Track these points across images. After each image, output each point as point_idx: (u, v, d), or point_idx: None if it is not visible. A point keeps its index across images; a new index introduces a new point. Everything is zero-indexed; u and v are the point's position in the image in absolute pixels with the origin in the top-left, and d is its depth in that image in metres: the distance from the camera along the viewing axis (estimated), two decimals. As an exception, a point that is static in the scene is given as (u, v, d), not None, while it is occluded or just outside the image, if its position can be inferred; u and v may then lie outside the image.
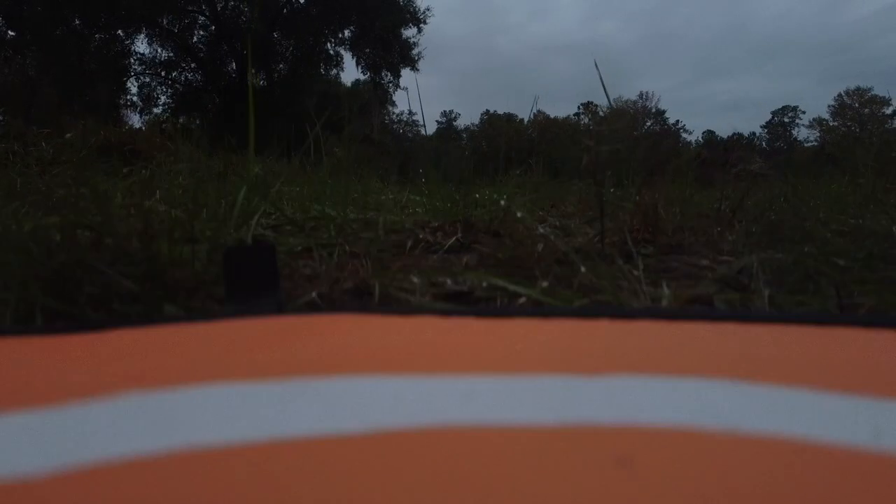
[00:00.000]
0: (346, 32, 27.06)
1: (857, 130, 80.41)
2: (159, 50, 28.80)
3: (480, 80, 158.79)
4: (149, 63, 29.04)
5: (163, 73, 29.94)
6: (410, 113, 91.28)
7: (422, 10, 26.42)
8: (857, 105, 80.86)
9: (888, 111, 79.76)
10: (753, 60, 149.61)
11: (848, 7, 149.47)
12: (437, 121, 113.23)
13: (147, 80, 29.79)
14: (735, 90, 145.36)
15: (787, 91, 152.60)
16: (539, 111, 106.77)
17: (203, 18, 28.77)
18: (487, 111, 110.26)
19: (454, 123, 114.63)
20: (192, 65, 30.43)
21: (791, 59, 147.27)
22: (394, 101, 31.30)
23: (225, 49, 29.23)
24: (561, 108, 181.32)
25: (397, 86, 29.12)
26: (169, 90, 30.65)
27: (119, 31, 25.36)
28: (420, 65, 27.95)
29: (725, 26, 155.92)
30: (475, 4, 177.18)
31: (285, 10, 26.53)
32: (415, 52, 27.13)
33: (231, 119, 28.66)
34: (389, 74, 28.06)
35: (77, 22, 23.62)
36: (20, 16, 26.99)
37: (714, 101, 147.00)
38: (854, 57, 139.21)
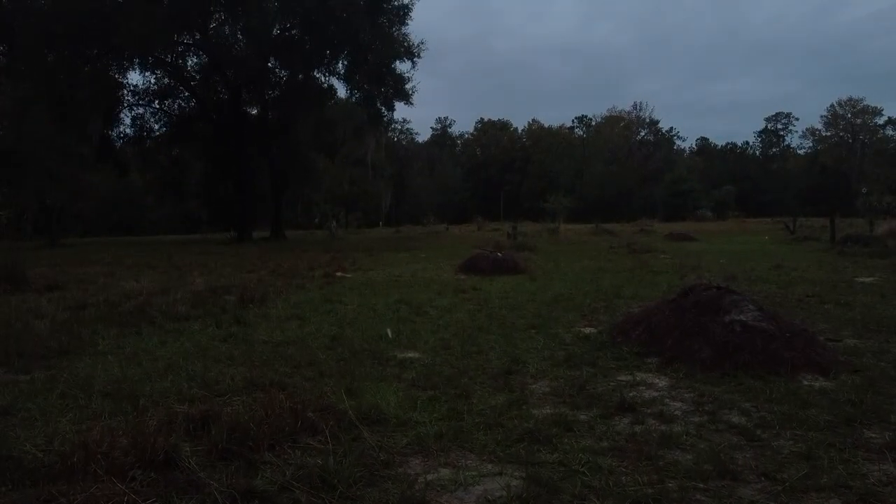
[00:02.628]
0: (340, 65, 27.03)
1: (850, 140, 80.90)
2: (152, 81, 28.67)
3: (477, 82, 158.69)
4: (141, 94, 28.90)
5: (156, 103, 29.78)
6: (404, 121, 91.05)
7: (415, 44, 26.43)
8: (849, 115, 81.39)
9: (880, 121, 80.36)
10: (747, 63, 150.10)
11: (840, 11, 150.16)
12: (431, 127, 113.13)
13: (140, 110, 29.64)
14: (729, 93, 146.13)
15: (781, 93, 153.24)
16: (533, 120, 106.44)
17: (195, 48, 28.64)
18: (482, 119, 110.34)
19: (448, 130, 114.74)
20: (185, 93, 30.26)
21: (784, 62, 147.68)
22: (388, 125, 31.22)
23: (216, 79, 29.07)
24: (556, 111, 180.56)
25: (391, 120, 29.05)
26: (164, 118, 30.48)
27: (112, 63, 25.22)
28: (417, 67, 27.83)
29: (720, 29, 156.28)
30: (473, 6, 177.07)
31: (279, 41, 26.42)
32: (409, 86, 27.15)
33: (223, 144, 28.63)
34: (384, 108, 28.06)
35: (67, 52, 23.44)
36: (12, 42, 26.92)
37: (709, 104, 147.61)
38: (847, 61, 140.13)
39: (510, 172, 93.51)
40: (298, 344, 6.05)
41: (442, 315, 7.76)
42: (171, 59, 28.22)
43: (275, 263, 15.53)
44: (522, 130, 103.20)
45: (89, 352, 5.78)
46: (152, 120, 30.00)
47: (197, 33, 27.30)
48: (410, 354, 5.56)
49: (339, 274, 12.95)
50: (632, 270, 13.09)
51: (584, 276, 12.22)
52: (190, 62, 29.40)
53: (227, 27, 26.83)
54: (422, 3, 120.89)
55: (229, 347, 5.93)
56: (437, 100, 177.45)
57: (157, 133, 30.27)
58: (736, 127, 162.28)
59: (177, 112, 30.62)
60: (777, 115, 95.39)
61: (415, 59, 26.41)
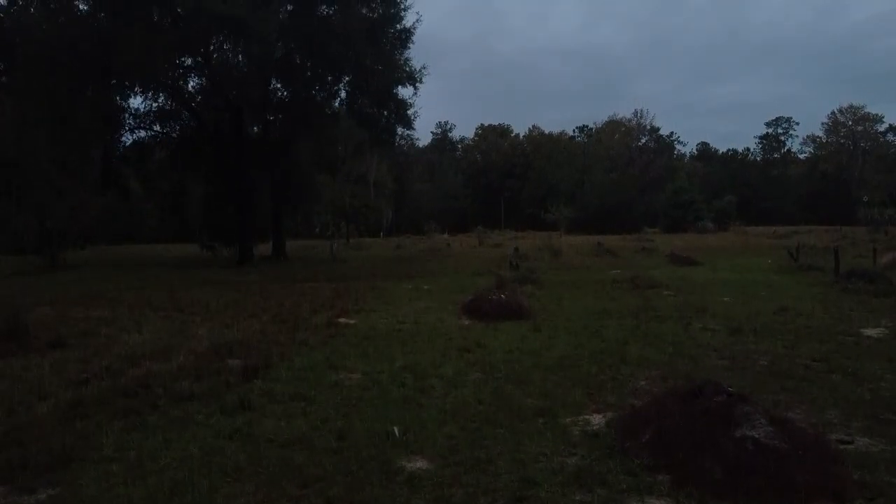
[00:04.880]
0: (342, 90, 27.00)
1: (851, 147, 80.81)
2: (153, 104, 28.68)
3: (477, 83, 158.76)
4: (142, 117, 28.91)
5: (157, 126, 29.78)
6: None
7: (417, 69, 26.37)
8: (850, 122, 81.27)
9: (881, 128, 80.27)
10: (748, 65, 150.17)
11: (841, 13, 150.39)
12: (432, 131, 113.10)
13: (142, 133, 29.66)
14: (730, 94, 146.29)
15: (781, 95, 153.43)
16: (534, 126, 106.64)
17: (196, 71, 28.59)
18: (482, 124, 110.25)
19: (449, 135, 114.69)
20: (186, 114, 30.23)
21: (785, 64, 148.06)
22: (390, 147, 31.27)
23: (217, 101, 29.00)
24: (557, 112, 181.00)
25: (393, 143, 28.95)
26: (165, 140, 30.48)
27: (112, 86, 25.15)
28: (419, 94, 27.72)
29: (721, 31, 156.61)
30: (474, 7, 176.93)
31: (280, 63, 26.33)
32: (411, 111, 27.10)
33: (224, 164, 28.59)
34: (385, 133, 28.00)
35: (66, 77, 23.30)
36: (13, 62, 26.86)
37: (709, 105, 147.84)
38: (847, 62, 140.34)
39: (510, 178, 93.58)
40: (304, 443, 6.00)
41: (448, 391, 7.74)
42: (172, 82, 28.18)
43: (276, 303, 15.48)
44: (523, 136, 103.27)
45: (93, 458, 5.73)
46: (154, 143, 29.99)
47: (199, 58, 27.26)
48: (419, 464, 5.50)
49: (342, 320, 12.89)
50: (636, 315, 13.08)
51: (588, 323, 12.20)
52: (191, 83, 29.45)
53: (229, 54, 26.79)
54: (422, 4, 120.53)
55: (235, 449, 5.88)
56: (437, 102, 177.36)
57: (159, 155, 30.27)
58: (737, 128, 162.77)
59: (178, 133, 30.60)
60: (777, 119, 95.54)
61: (416, 85, 26.38)
